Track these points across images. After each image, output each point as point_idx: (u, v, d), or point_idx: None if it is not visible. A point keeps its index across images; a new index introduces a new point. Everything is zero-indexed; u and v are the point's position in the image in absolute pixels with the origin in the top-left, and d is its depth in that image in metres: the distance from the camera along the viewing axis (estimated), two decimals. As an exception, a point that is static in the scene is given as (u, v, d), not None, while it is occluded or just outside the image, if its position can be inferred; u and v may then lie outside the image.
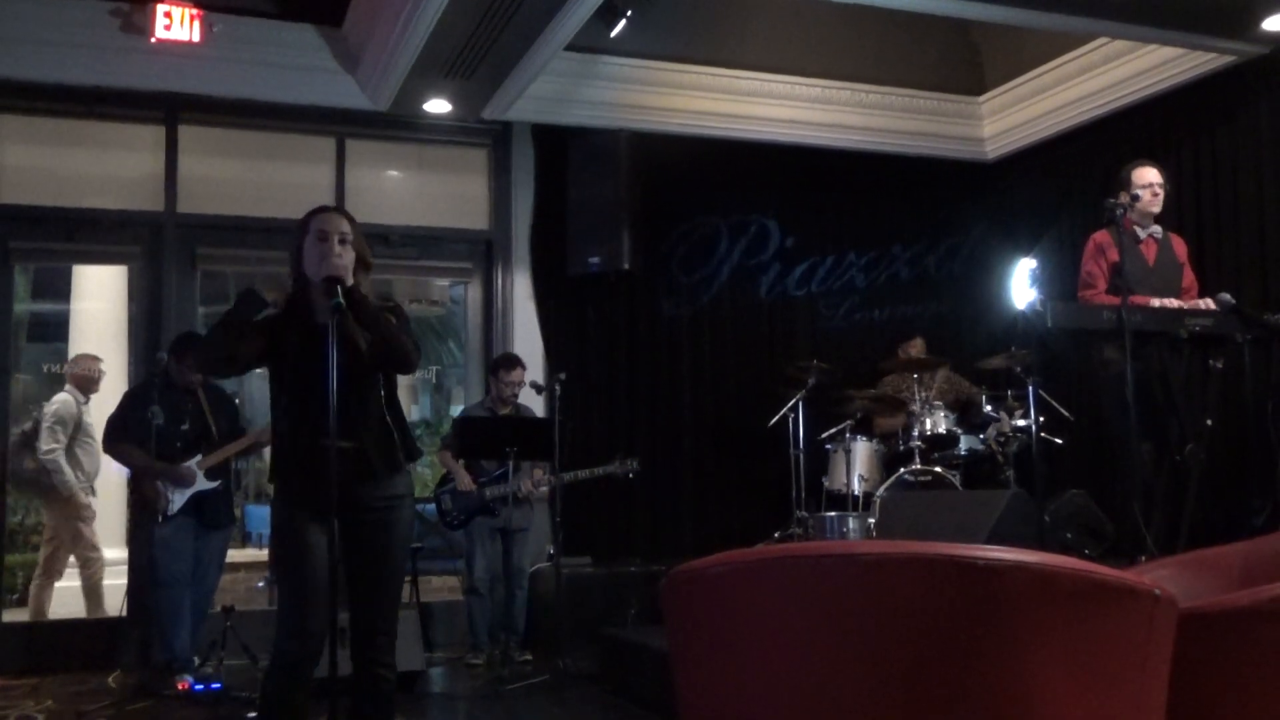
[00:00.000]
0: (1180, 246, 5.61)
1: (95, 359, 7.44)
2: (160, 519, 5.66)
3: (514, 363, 6.67)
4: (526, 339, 7.52)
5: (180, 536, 5.69)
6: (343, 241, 3.29)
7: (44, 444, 7.07)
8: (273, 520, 3.43)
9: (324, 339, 3.16)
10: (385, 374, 3.38)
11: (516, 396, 6.61)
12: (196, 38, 6.65)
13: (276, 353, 3.34)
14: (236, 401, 6.42)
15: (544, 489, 6.54)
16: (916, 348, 7.83)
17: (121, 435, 5.82)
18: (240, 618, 5.85)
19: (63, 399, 7.31)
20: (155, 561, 5.64)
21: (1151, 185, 5.38)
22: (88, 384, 7.36)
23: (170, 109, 7.01)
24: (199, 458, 5.74)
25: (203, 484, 5.74)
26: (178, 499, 5.69)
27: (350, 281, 3.23)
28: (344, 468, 3.15)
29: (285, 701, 3.20)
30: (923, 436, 6.79)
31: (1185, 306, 5.24)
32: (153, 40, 6.59)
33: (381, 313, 3.30)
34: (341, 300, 3.15)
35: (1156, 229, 5.49)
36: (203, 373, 3.49)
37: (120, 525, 7.44)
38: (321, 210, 3.42)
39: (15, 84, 6.60)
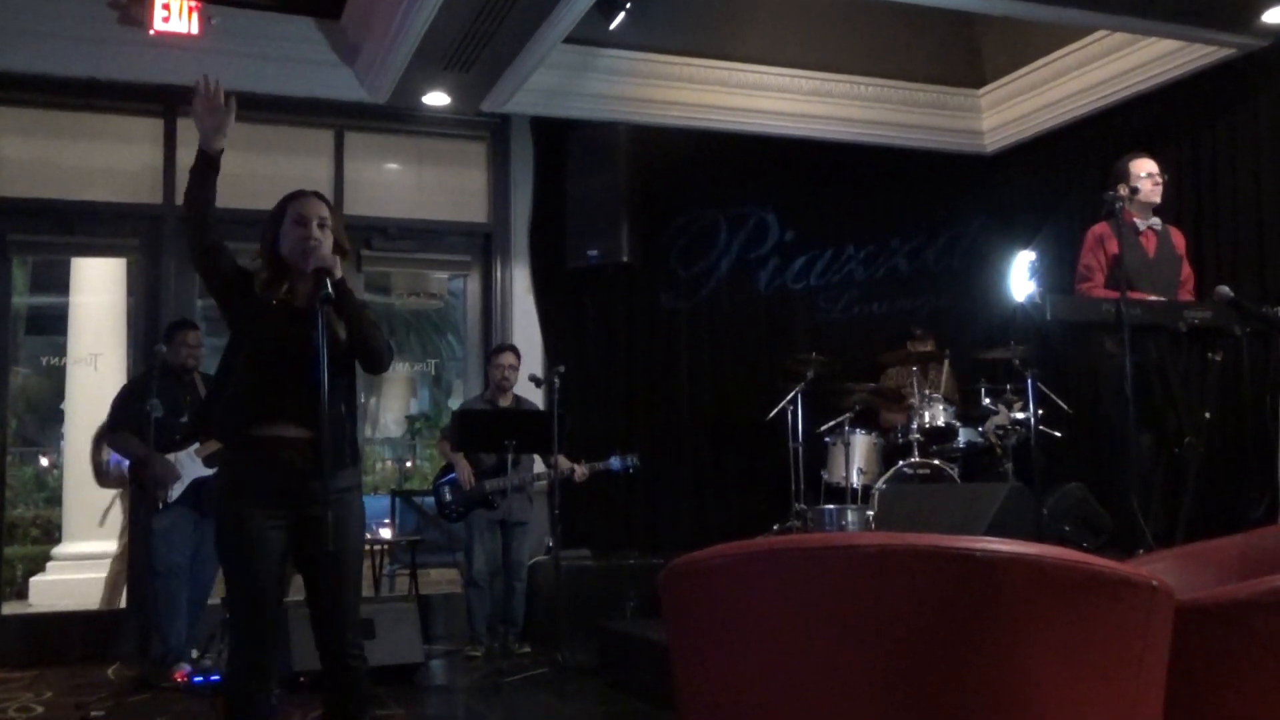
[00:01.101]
0: (1179, 239, 5.62)
1: None
2: (160, 506, 5.66)
3: (503, 348, 6.74)
4: (525, 332, 7.53)
5: (179, 527, 5.70)
6: (321, 226, 3.26)
7: None
8: (218, 509, 3.30)
9: (299, 324, 3.14)
10: (350, 369, 3.34)
11: (510, 383, 6.60)
12: (195, 30, 6.64)
13: (242, 329, 3.27)
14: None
15: (585, 475, 6.53)
16: (928, 346, 7.82)
17: (120, 425, 5.83)
18: (239, 610, 5.83)
19: None
20: (153, 552, 5.65)
21: (1152, 174, 5.38)
22: None
23: (169, 101, 7.00)
24: (197, 446, 5.73)
25: (200, 470, 5.73)
26: (176, 487, 5.69)
27: (340, 273, 3.20)
28: (298, 458, 3.13)
29: (252, 703, 3.18)
30: (921, 429, 6.80)
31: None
32: (151, 33, 6.57)
33: (364, 311, 3.27)
34: (331, 292, 3.12)
35: (1156, 221, 5.49)
36: (186, 220, 3.45)
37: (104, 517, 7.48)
38: (300, 195, 3.37)
39: (13, 76, 6.59)
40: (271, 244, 3.31)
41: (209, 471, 5.77)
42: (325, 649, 3.24)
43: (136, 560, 6.19)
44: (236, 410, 3.23)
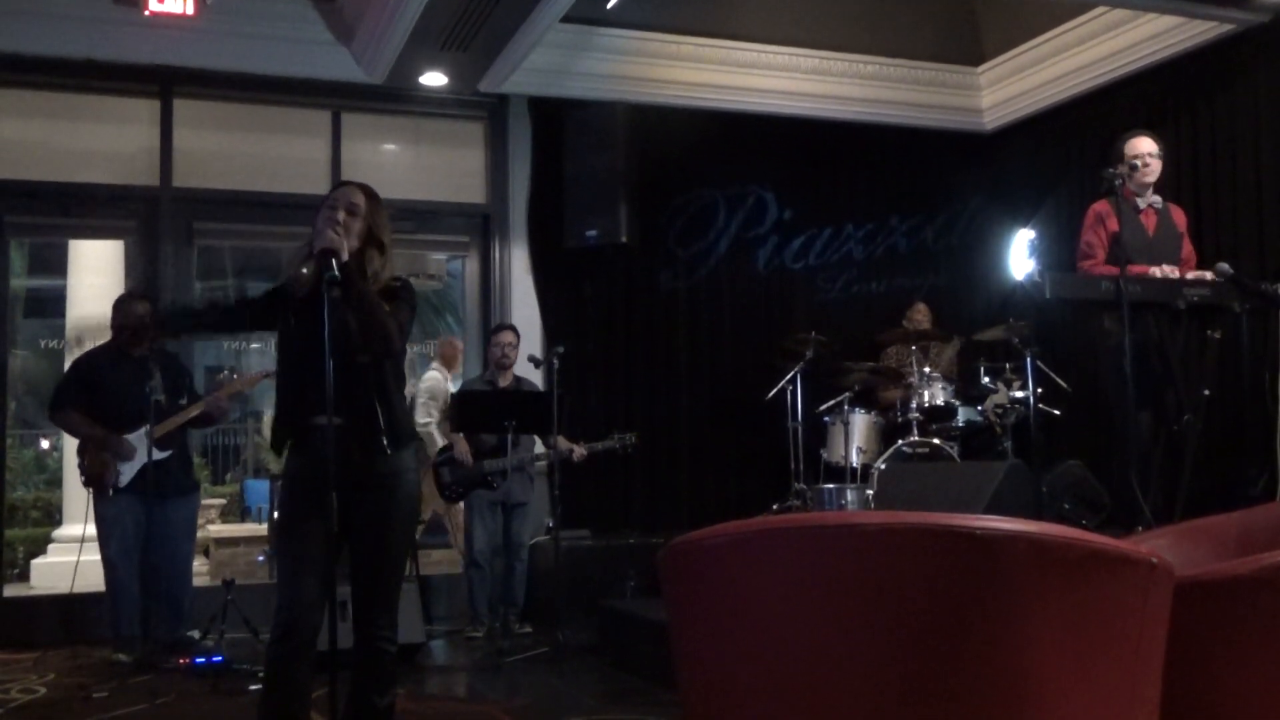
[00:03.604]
0: (1180, 217, 5.59)
1: (456, 340, 8.03)
2: (110, 493, 5.61)
3: (502, 326, 6.77)
4: (524, 312, 7.52)
5: (126, 515, 5.61)
6: (351, 213, 3.25)
7: (419, 417, 7.23)
8: (275, 495, 3.49)
9: (317, 313, 3.15)
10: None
11: (510, 360, 6.60)
12: (190, 10, 6.61)
13: (280, 324, 3.35)
14: (230, 373, 6.38)
15: (583, 455, 6.53)
16: (920, 314, 7.83)
17: (66, 403, 5.75)
18: (241, 591, 5.87)
19: (433, 376, 7.65)
20: (100, 538, 5.63)
21: (1141, 155, 5.34)
22: (452, 362, 7.81)
23: (165, 82, 6.98)
24: (147, 427, 5.51)
25: (153, 454, 5.58)
26: (126, 472, 5.61)
27: (345, 256, 3.16)
28: (329, 445, 3.15)
29: (286, 674, 3.22)
30: (921, 408, 6.80)
31: (1188, 276, 5.24)
32: (146, 13, 6.55)
33: (368, 294, 3.21)
34: (336, 273, 3.11)
35: (1156, 199, 5.47)
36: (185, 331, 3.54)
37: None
38: (339, 185, 3.43)
39: (9, 57, 6.57)
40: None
41: (162, 455, 5.63)
42: (356, 629, 3.30)
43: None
44: (279, 404, 3.40)
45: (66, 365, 8.56)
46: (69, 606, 6.56)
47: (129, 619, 5.62)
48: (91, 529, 5.78)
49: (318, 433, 3.17)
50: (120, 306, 5.85)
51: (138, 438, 5.60)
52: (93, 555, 6.49)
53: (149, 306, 5.88)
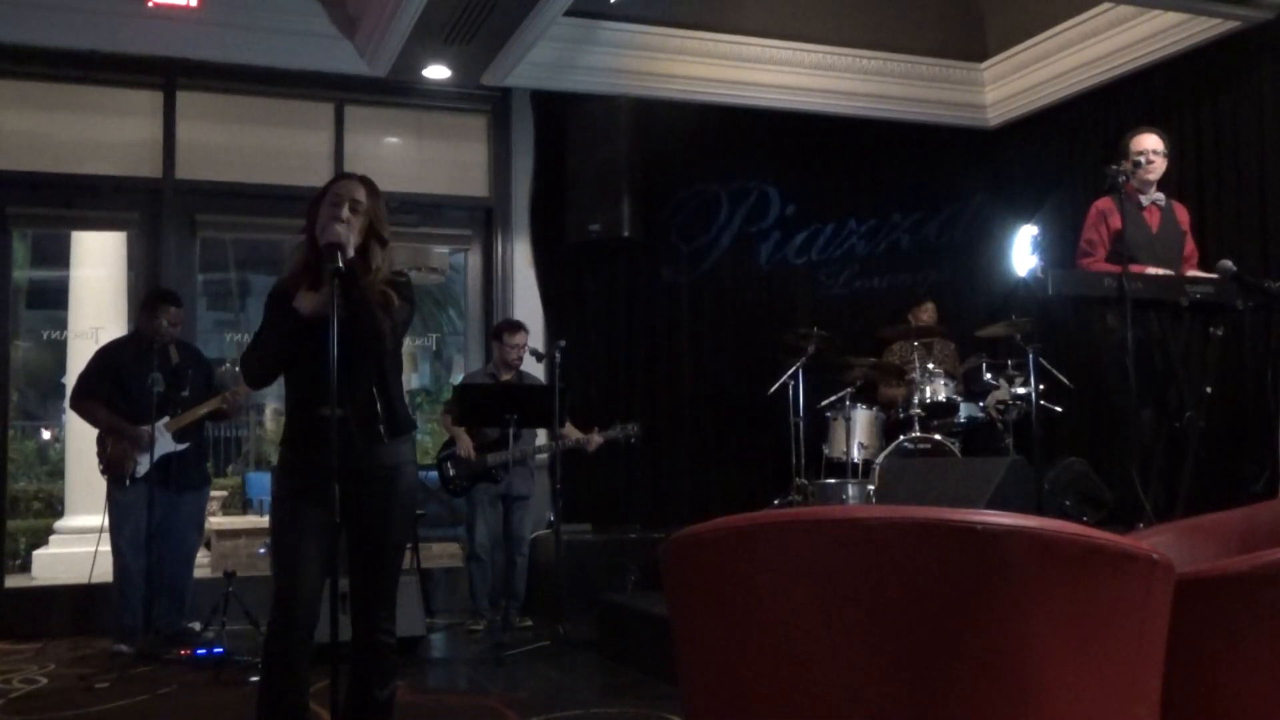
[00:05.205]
0: (1183, 214, 5.59)
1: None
2: (128, 482, 5.67)
3: (517, 326, 6.70)
4: (526, 306, 7.52)
5: (139, 504, 5.65)
6: (354, 210, 3.26)
7: None
8: (271, 488, 3.47)
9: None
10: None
11: (521, 360, 6.60)
12: (193, 2, 6.61)
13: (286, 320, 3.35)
14: (232, 366, 6.40)
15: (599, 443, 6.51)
16: (928, 313, 7.82)
17: (90, 394, 5.80)
18: (241, 583, 5.88)
19: None
20: (111, 527, 5.68)
21: (1147, 152, 5.33)
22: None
23: (168, 74, 6.98)
24: (167, 419, 5.68)
25: (171, 446, 5.71)
26: (145, 461, 5.66)
27: (351, 251, 3.18)
28: (332, 436, 3.16)
29: (284, 666, 3.23)
30: (922, 404, 6.80)
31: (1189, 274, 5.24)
32: (150, 5, 6.55)
33: (367, 292, 3.21)
34: (341, 266, 3.12)
35: (1160, 196, 5.46)
36: (255, 387, 3.58)
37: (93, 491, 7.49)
38: (343, 177, 3.41)
39: (11, 48, 6.57)
40: (313, 224, 3.32)
41: (179, 447, 5.76)
42: (355, 621, 3.31)
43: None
44: (288, 395, 3.40)
45: (69, 356, 8.62)
46: (71, 597, 6.58)
47: (133, 608, 5.66)
48: (98, 520, 5.82)
49: (321, 424, 3.18)
50: (155, 306, 5.89)
51: (158, 430, 5.66)
52: (94, 547, 6.52)
53: (178, 313, 5.94)
